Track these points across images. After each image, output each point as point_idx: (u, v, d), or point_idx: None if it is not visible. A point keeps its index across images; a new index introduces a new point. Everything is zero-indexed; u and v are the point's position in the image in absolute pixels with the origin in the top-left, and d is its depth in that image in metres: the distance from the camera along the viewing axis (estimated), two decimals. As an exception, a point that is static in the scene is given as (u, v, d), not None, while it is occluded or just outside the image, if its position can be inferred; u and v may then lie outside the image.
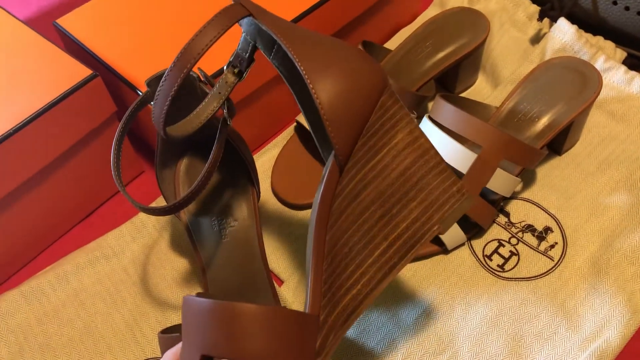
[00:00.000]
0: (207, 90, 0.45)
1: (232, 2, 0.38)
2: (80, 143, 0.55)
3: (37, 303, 0.53)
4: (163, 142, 0.49)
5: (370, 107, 0.38)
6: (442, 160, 0.40)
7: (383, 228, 0.38)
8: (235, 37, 0.50)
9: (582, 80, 0.57)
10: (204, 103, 0.42)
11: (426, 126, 0.54)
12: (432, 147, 0.40)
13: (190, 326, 0.34)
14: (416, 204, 0.39)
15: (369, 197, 0.38)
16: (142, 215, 0.59)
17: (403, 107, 0.39)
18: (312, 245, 0.36)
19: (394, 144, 0.39)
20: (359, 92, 0.37)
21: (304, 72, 0.36)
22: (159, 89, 0.37)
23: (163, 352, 0.45)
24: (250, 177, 0.52)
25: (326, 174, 0.37)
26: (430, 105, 0.67)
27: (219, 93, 0.41)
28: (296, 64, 0.36)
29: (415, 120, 0.41)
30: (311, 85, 0.36)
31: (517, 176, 0.53)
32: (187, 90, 0.46)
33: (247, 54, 0.41)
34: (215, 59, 0.54)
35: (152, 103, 0.50)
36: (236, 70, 0.41)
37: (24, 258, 0.57)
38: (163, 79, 0.37)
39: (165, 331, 0.46)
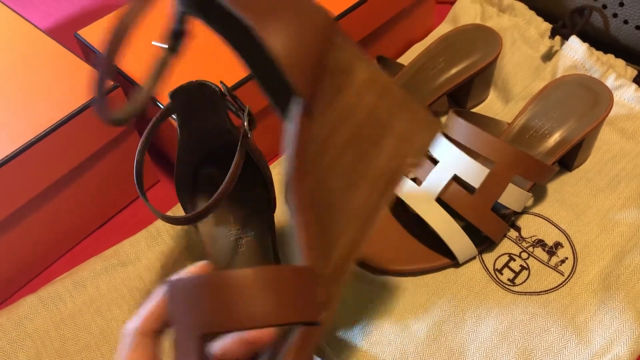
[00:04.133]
0: (229, 104, 0.46)
1: None
2: (99, 153, 0.57)
3: (54, 308, 0.54)
4: (183, 153, 0.50)
5: (325, 47, 0.36)
6: (406, 93, 0.39)
7: (361, 170, 0.37)
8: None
9: (594, 98, 0.58)
10: (143, 84, 0.40)
11: (439, 141, 0.55)
12: (394, 82, 0.38)
13: (181, 309, 0.32)
14: (389, 141, 0.38)
15: (341, 139, 0.36)
16: (157, 224, 0.60)
17: (357, 45, 0.38)
18: (295, 198, 0.34)
19: (355, 83, 0.37)
20: (313, 32, 0.35)
21: (251, 21, 0.33)
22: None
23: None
24: (267, 187, 0.53)
25: (295, 124, 0.35)
26: (442, 120, 0.68)
27: (155, 72, 0.40)
28: (239, 16, 0.33)
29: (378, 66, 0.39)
30: (262, 34, 0.33)
31: (528, 191, 0.54)
32: (208, 102, 0.47)
33: (178, 25, 0.39)
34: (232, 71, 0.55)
35: (173, 116, 0.51)
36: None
37: (42, 264, 0.58)
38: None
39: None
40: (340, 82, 0.37)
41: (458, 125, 0.54)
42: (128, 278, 0.56)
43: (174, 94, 0.46)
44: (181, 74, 0.57)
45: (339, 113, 0.37)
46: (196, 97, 0.47)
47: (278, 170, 0.64)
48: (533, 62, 0.71)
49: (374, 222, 0.37)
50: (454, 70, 0.65)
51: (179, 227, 0.59)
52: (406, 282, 0.54)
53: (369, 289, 0.54)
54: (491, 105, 0.69)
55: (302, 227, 0.34)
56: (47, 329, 0.53)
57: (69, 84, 0.54)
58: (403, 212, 0.57)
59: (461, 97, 0.67)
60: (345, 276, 0.35)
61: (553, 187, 0.60)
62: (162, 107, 0.53)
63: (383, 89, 0.38)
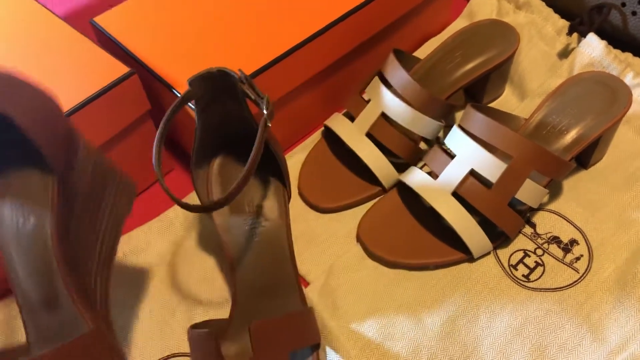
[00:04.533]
0: (247, 92, 0.46)
1: None
2: (113, 140, 0.56)
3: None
4: (200, 141, 0.50)
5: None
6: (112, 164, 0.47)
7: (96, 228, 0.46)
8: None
9: (612, 95, 0.58)
10: None
11: (456, 135, 0.54)
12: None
13: None
14: (106, 207, 0.47)
15: (78, 206, 0.45)
16: (170, 213, 0.59)
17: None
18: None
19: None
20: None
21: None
22: None
23: (192, 347, 0.45)
24: (282, 178, 0.52)
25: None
26: (457, 115, 0.67)
27: None
28: None
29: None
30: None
31: (544, 188, 0.54)
32: (227, 90, 0.47)
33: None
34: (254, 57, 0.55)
35: (191, 104, 0.51)
36: None
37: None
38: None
39: (196, 326, 0.47)
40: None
41: (476, 119, 0.53)
42: (140, 266, 0.56)
43: (193, 81, 0.46)
44: (200, 62, 0.57)
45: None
46: (215, 85, 0.47)
47: (293, 161, 0.63)
48: (549, 59, 0.71)
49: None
50: (470, 65, 0.65)
51: (191, 217, 0.59)
52: (420, 276, 0.54)
53: (382, 283, 0.53)
54: (506, 102, 0.69)
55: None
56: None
57: (85, 71, 0.54)
58: (418, 206, 0.57)
59: (477, 93, 0.67)
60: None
61: (569, 185, 0.59)
62: (179, 95, 0.53)
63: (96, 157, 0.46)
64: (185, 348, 0.51)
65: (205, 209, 0.42)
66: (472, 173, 0.52)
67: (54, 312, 0.45)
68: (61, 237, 0.44)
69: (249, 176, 0.42)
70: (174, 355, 0.51)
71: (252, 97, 0.45)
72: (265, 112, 0.44)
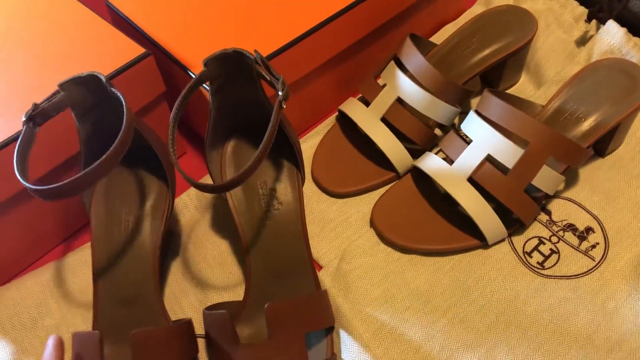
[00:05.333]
0: (262, 73, 0.45)
1: None
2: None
3: (79, 274, 0.54)
4: (214, 122, 0.50)
5: None
6: None
7: None
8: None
9: (631, 83, 0.57)
10: None
11: (473, 120, 0.54)
12: None
13: None
14: None
15: None
16: (184, 196, 0.59)
17: None
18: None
19: None
20: None
21: None
22: None
23: (207, 328, 0.46)
24: (296, 161, 0.52)
25: None
26: (473, 102, 0.67)
27: None
28: None
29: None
30: None
31: (561, 175, 0.53)
32: (243, 71, 0.47)
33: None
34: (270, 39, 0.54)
35: (205, 85, 0.51)
36: None
37: (69, 230, 0.59)
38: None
39: (210, 308, 0.47)
40: None
41: (493, 104, 0.53)
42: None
43: (209, 62, 0.46)
44: (215, 44, 0.57)
45: None
46: (230, 66, 0.47)
47: (308, 145, 0.63)
48: (567, 46, 0.70)
49: None
50: (487, 51, 0.64)
51: (205, 200, 0.59)
52: (434, 261, 0.53)
53: (395, 267, 0.53)
54: (522, 89, 0.68)
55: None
56: (72, 294, 0.53)
57: (100, 51, 0.54)
58: (432, 192, 0.57)
59: (493, 79, 0.66)
60: None
61: (585, 173, 0.59)
62: (194, 76, 0.53)
63: None
64: (198, 330, 0.51)
65: (219, 188, 0.42)
66: (489, 159, 0.52)
67: (131, 307, 0.48)
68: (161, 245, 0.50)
69: (263, 156, 0.41)
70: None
71: (268, 78, 0.45)
72: (280, 93, 0.44)
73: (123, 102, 0.42)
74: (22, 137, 0.42)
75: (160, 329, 0.44)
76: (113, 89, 0.44)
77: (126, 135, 0.41)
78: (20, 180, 0.39)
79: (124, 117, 0.41)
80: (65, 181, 0.38)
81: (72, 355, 0.44)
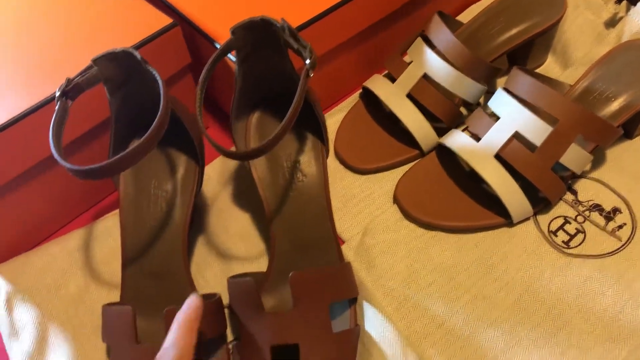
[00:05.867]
0: (290, 41, 0.45)
1: None
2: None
3: (104, 243, 0.54)
4: (239, 93, 0.50)
5: None
6: None
7: None
8: None
9: (663, 63, 0.56)
10: None
11: (501, 97, 0.53)
12: None
13: None
14: None
15: None
16: (207, 169, 0.60)
17: None
18: None
19: None
20: None
21: None
22: None
23: (232, 296, 0.46)
24: (321, 134, 0.52)
25: None
26: (499, 82, 0.66)
27: None
28: None
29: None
30: None
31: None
32: (270, 40, 0.46)
33: None
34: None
35: (231, 56, 0.51)
36: None
37: (96, 198, 0.59)
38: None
39: (234, 277, 0.47)
40: None
41: (522, 81, 0.52)
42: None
43: (236, 30, 0.45)
44: (241, 16, 0.56)
45: None
46: (257, 34, 0.46)
47: (331, 121, 0.63)
48: (595, 28, 0.69)
49: None
50: (514, 31, 0.63)
51: (227, 174, 0.59)
52: (458, 238, 0.53)
53: (419, 244, 0.53)
54: (549, 70, 0.67)
55: None
56: (97, 263, 0.53)
57: (126, 21, 0.54)
58: (456, 170, 0.56)
59: (520, 59, 0.66)
60: None
61: (613, 154, 0.58)
62: (218, 46, 0.53)
63: None
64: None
65: (245, 155, 0.42)
66: (516, 136, 0.51)
67: (159, 281, 0.48)
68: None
69: (289, 125, 0.41)
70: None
71: (295, 46, 0.45)
72: (307, 61, 0.43)
73: (160, 83, 0.42)
74: (56, 112, 0.42)
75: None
76: (148, 67, 0.44)
77: (163, 118, 0.40)
78: (57, 158, 0.39)
79: (161, 97, 0.41)
80: (103, 163, 0.38)
81: (103, 328, 0.45)
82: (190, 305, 0.39)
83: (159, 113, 0.40)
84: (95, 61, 0.44)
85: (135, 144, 0.46)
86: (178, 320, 0.38)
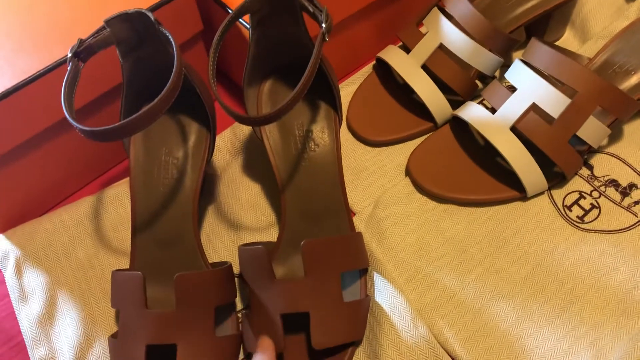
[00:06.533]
0: (305, 4, 0.44)
1: None
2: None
3: (113, 211, 0.54)
4: (253, 58, 0.49)
5: None
6: None
7: None
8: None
9: (685, 37, 0.54)
10: None
11: (518, 68, 0.52)
12: None
13: None
14: None
15: None
16: (217, 140, 0.59)
17: None
18: None
19: None
20: None
21: None
22: None
23: (242, 264, 0.45)
24: (334, 103, 0.51)
25: None
26: (516, 56, 0.65)
27: None
28: None
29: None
30: None
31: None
32: (284, 3, 0.45)
33: None
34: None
35: (244, 22, 0.50)
36: None
37: (106, 165, 0.58)
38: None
39: (245, 246, 0.46)
40: None
41: (541, 52, 0.51)
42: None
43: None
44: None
45: None
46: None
47: (344, 92, 0.62)
48: (615, 1, 0.67)
49: None
50: (533, 2, 0.62)
51: (238, 143, 0.59)
52: (470, 211, 0.52)
53: (430, 216, 0.52)
54: (567, 44, 0.66)
55: None
56: (105, 230, 0.53)
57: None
58: (470, 143, 0.55)
59: (538, 32, 0.64)
60: None
61: (630, 129, 0.57)
62: (231, 12, 0.52)
63: None
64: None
65: (258, 120, 0.41)
66: (533, 108, 0.50)
67: (169, 249, 0.48)
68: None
69: (303, 91, 0.40)
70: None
71: (310, 9, 0.44)
72: (323, 25, 0.42)
73: (173, 44, 0.41)
74: (68, 73, 0.41)
75: (204, 272, 0.44)
76: (162, 28, 0.43)
77: (177, 79, 0.39)
78: (69, 119, 0.38)
79: (175, 59, 0.40)
80: (116, 124, 0.37)
81: (112, 293, 0.44)
82: (263, 345, 0.41)
83: (173, 73, 0.39)
84: (108, 22, 0.43)
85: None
86: None
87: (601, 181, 0.53)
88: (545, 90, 0.50)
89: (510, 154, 0.50)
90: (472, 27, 0.55)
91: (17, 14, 0.51)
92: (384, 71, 0.62)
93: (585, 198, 0.53)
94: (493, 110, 0.53)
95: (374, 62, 0.64)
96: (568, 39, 0.67)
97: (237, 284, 0.49)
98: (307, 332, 0.43)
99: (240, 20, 0.51)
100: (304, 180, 0.50)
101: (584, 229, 0.51)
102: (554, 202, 0.52)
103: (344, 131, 0.60)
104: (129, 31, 0.44)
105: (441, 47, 0.56)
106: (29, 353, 0.47)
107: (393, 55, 0.59)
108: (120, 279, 0.44)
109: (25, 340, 0.47)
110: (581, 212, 0.52)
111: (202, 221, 0.54)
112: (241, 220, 0.54)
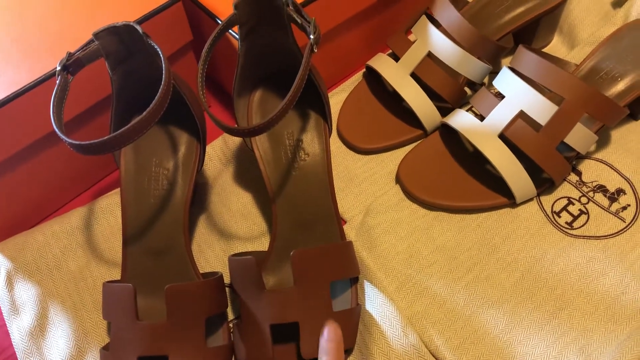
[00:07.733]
0: (294, 16, 0.44)
1: None
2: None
3: (104, 221, 0.54)
4: (242, 69, 0.49)
5: None
6: None
7: None
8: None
9: (671, 43, 0.55)
10: None
11: (506, 75, 0.53)
12: None
13: None
14: None
15: None
16: (208, 149, 0.59)
17: None
18: None
19: None
20: None
21: None
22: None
23: (233, 274, 0.45)
24: (324, 112, 0.51)
25: None
26: (504, 62, 0.65)
27: None
28: None
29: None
30: None
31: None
32: (273, 14, 0.46)
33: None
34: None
35: (234, 32, 0.50)
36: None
37: (97, 177, 0.59)
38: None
39: (236, 256, 0.47)
40: None
41: (528, 59, 0.51)
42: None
43: (239, 4, 0.45)
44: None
45: None
46: (260, 8, 0.45)
47: (334, 101, 0.62)
48: (602, 7, 0.68)
49: None
50: (520, 9, 0.62)
51: (229, 153, 0.59)
52: (460, 219, 0.53)
53: (421, 224, 0.53)
54: (555, 50, 0.67)
55: None
56: (97, 241, 0.53)
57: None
58: (459, 150, 0.56)
59: (526, 39, 0.65)
60: None
61: (618, 135, 0.57)
62: (220, 22, 0.52)
63: None
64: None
65: (247, 132, 0.41)
66: (521, 115, 0.51)
67: (160, 259, 0.48)
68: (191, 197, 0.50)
69: (292, 101, 0.40)
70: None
71: (299, 21, 0.44)
72: (311, 36, 0.43)
73: (162, 57, 0.41)
74: (57, 87, 0.41)
75: (195, 283, 0.44)
76: (150, 41, 0.43)
77: (165, 92, 0.39)
78: (59, 134, 0.38)
79: (163, 72, 0.40)
80: (105, 138, 0.37)
81: (104, 306, 0.44)
82: (330, 329, 0.40)
83: (162, 85, 0.39)
84: (97, 35, 0.43)
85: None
86: (324, 348, 0.40)
87: (589, 187, 0.54)
88: (532, 97, 0.50)
89: (499, 161, 0.51)
90: (460, 35, 0.55)
91: (6, 26, 0.52)
92: (374, 79, 0.63)
93: (573, 204, 0.53)
94: (482, 118, 0.53)
95: (364, 70, 0.64)
96: (556, 46, 0.67)
97: (228, 293, 0.49)
98: (298, 342, 0.43)
99: (229, 31, 0.51)
100: (295, 189, 0.50)
101: (572, 234, 0.51)
102: (543, 208, 0.53)
103: (334, 139, 0.60)
104: (117, 44, 0.44)
105: (430, 55, 0.56)
106: (21, 366, 0.47)
107: (382, 64, 0.59)
108: (112, 291, 0.44)
109: (16, 352, 0.47)
110: (570, 218, 0.52)
111: (194, 231, 0.54)
112: (232, 229, 0.54)
